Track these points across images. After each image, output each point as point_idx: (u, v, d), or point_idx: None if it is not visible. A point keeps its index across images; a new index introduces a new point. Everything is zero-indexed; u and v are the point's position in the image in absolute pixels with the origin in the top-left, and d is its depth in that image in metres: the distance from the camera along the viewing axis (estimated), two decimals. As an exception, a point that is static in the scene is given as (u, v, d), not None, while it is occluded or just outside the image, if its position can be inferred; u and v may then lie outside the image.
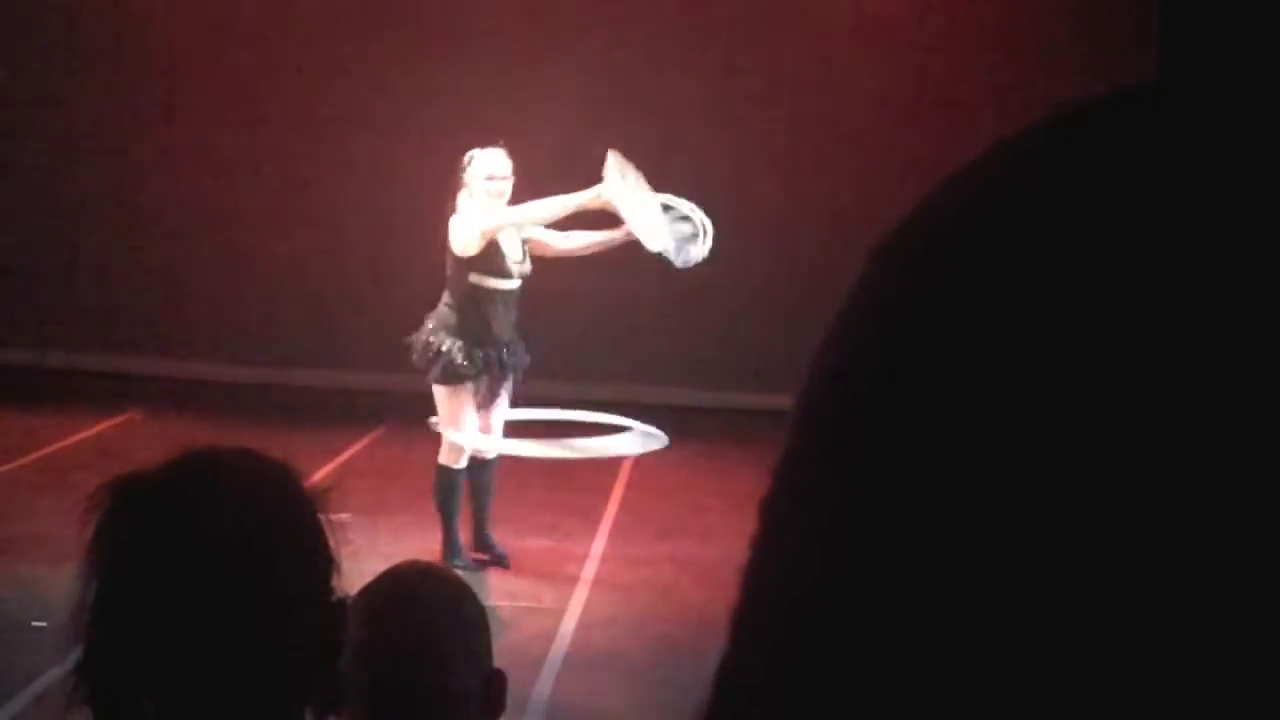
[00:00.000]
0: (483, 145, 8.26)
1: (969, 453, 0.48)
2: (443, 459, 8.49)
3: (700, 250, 8.55)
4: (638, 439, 9.13)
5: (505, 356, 8.36)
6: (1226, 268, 0.48)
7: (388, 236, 12.56)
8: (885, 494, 0.50)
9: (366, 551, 7.44)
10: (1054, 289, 0.48)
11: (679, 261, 8.51)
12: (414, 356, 8.44)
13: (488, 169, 8.15)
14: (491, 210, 8.15)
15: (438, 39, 13.00)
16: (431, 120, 12.42)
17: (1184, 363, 0.47)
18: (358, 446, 11.14)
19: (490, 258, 8.23)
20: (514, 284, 8.34)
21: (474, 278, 8.24)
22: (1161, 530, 0.46)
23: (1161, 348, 0.47)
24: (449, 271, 8.35)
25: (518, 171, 8.29)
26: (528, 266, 8.39)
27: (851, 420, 0.52)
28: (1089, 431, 0.47)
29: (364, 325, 12.98)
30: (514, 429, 8.77)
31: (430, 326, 8.41)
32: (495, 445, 8.50)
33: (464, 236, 8.18)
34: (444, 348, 8.30)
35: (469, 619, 2.37)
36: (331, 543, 1.74)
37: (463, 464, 8.43)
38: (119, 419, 11.73)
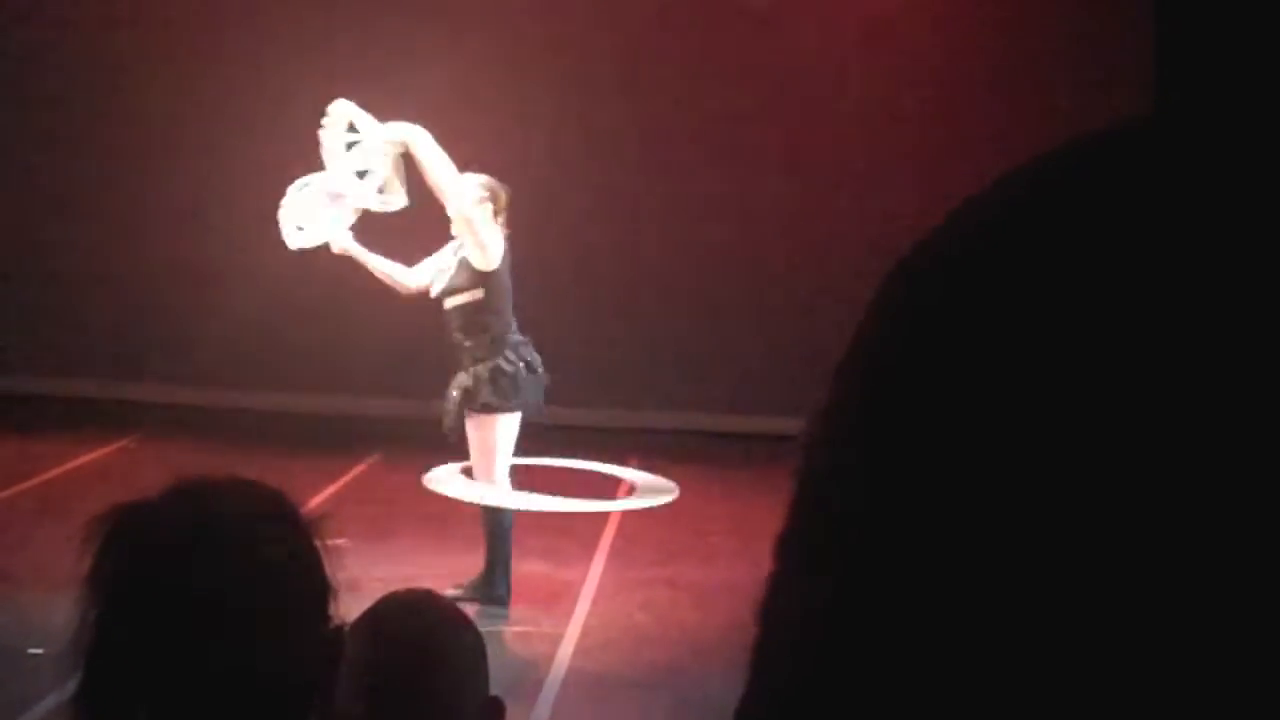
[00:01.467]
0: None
1: (988, 478, 0.48)
2: (499, 500, 8.31)
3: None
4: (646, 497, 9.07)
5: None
6: (1223, 285, 0.48)
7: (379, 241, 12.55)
8: (905, 528, 0.50)
9: (363, 578, 7.43)
10: (1067, 317, 0.49)
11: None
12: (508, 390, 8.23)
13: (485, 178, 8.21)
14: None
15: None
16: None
17: (1185, 385, 0.48)
18: (355, 472, 11.14)
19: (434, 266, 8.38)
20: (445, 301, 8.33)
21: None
22: (1163, 549, 0.47)
23: (1165, 368, 0.48)
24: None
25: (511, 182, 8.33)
26: (443, 283, 8.34)
27: (866, 449, 0.52)
28: (1097, 452, 0.48)
29: (362, 351, 12.99)
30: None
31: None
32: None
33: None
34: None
35: (466, 646, 2.37)
36: (328, 569, 1.74)
37: None
38: (116, 445, 11.72)
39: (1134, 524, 0.47)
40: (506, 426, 8.21)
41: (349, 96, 8.52)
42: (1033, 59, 12.46)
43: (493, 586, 8.26)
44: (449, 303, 8.22)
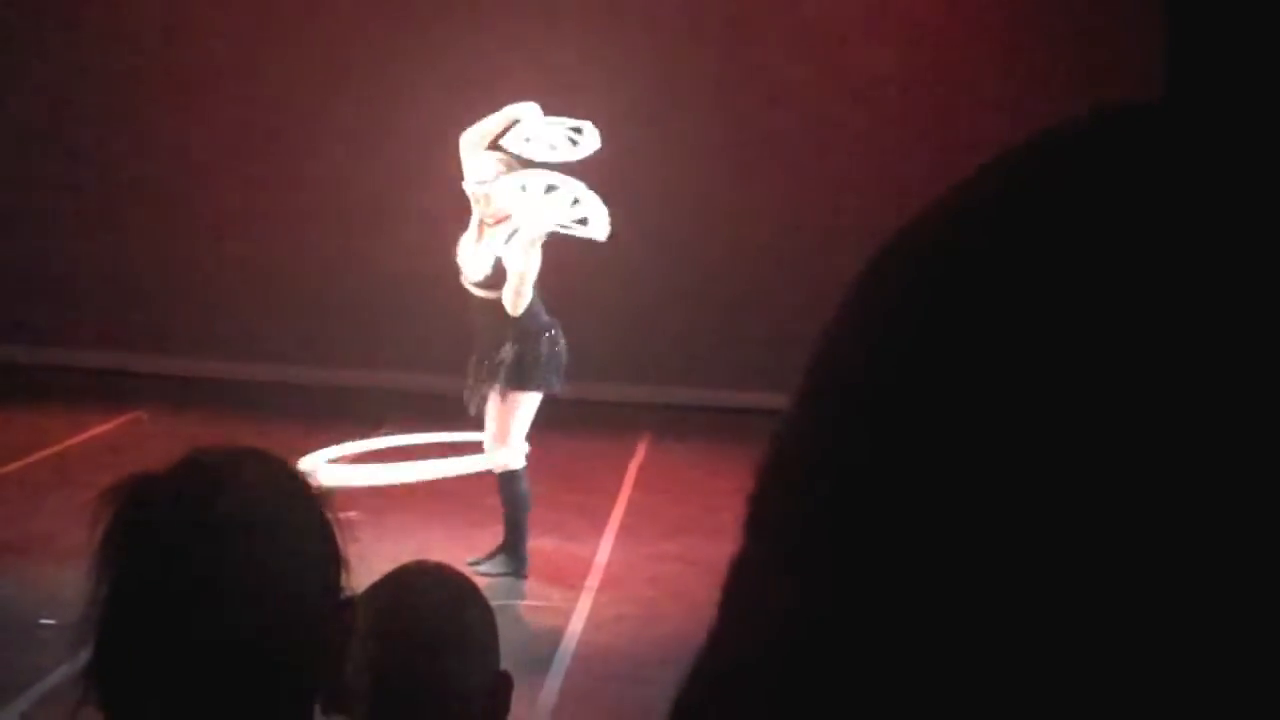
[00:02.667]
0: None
1: (968, 460, 0.48)
2: (514, 463, 8.41)
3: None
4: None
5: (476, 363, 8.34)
6: (1218, 279, 0.48)
7: (394, 235, 12.56)
8: (884, 523, 0.50)
9: (373, 551, 7.44)
10: (1055, 311, 0.48)
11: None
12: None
13: None
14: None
15: (455, 38, 13.00)
16: (440, 121, 12.42)
17: (1179, 376, 0.47)
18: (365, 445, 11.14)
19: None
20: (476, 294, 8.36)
21: None
22: (1160, 548, 0.46)
23: (1158, 360, 0.47)
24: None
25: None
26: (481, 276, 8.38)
27: (843, 433, 0.52)
28: (1081, 437, 0.47)
29: (370, 323, 13.00)
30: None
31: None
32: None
33: None
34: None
35: (476, 620, 2.37)
36: (339, 541, 1.74)
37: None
38: (126, 417, 11.74)
39: (1124, 513, 0.47)
40: (529, 404, 8.33)
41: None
42: (1041, 52, 12.42)
43: (513, 559, 8.30)
44: (479, 293, 8.28)
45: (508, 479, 8.35)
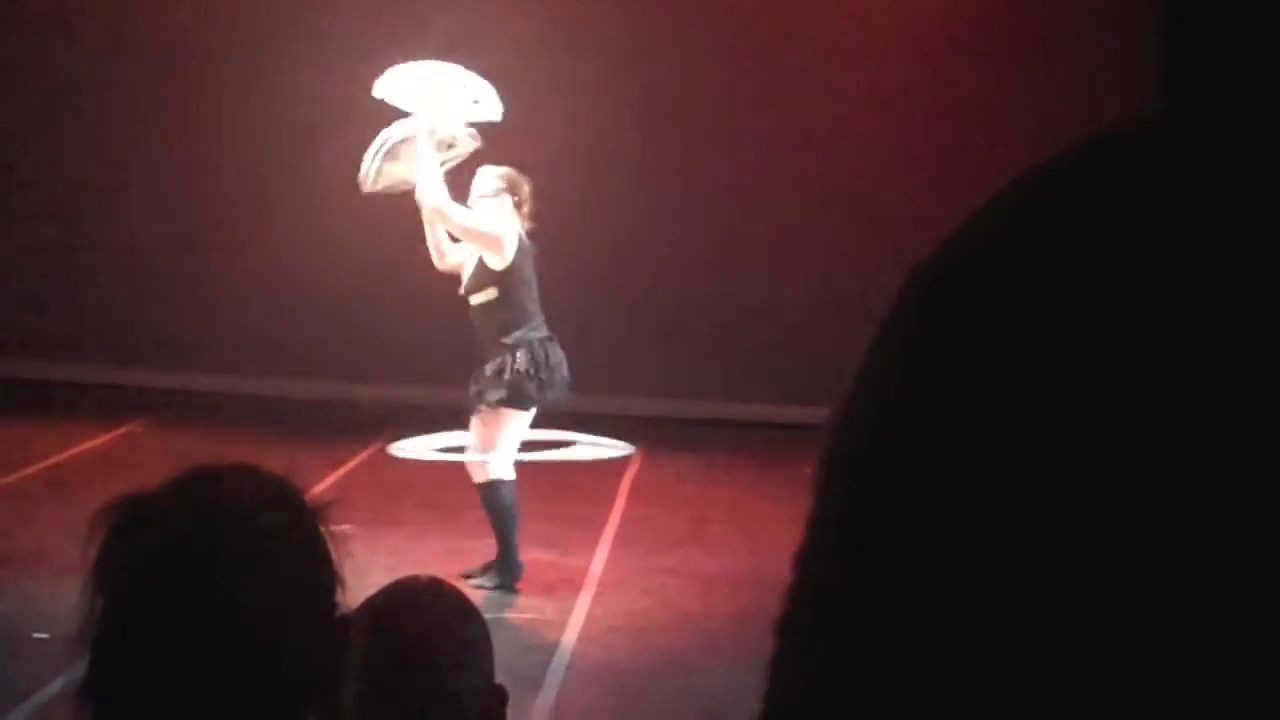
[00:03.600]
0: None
1: (993, 480, 0.48)
2: (499, 474, 8.36)
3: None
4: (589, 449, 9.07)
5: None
6: (1226, 296, 0.48)
7: (391, 248, 12.56)
8: (915, 532, 0.50)
9: (369, 564, 7.45)
10: (1085, 327, 0.49)
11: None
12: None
13: None
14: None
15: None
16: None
17: (1202, 388, 0.47)
18: (360, 458, 11.14)
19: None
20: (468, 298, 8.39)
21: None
22: (1168, 556, 0.47)
23: (1171, 380, 0.48)
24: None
25: (533, 167, 8.37)
26: (464, 281, 8.40)
27: (878, 470, 0.52)
28: (1101, 456, 0.47)
29: (366, 337, 12.99)
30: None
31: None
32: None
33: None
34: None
35: (471, 634, 2.37)
36: (334, 556, 1.74)
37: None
38: (121, 430, 11.73)
39: (1140, 540, 0.47)
40: (513, 422, 8.26)
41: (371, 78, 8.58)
42: (1038, 54, 12.44)
43: (504, 571, 8.29)
44: (473, 299, 8.30)
45: (489, 489, 8.32)
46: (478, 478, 8.37)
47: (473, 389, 8.28)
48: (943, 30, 12.83)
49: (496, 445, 8.26)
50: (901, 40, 12.89)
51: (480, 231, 8.18)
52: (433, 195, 8.21)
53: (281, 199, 13.24)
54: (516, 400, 8.19)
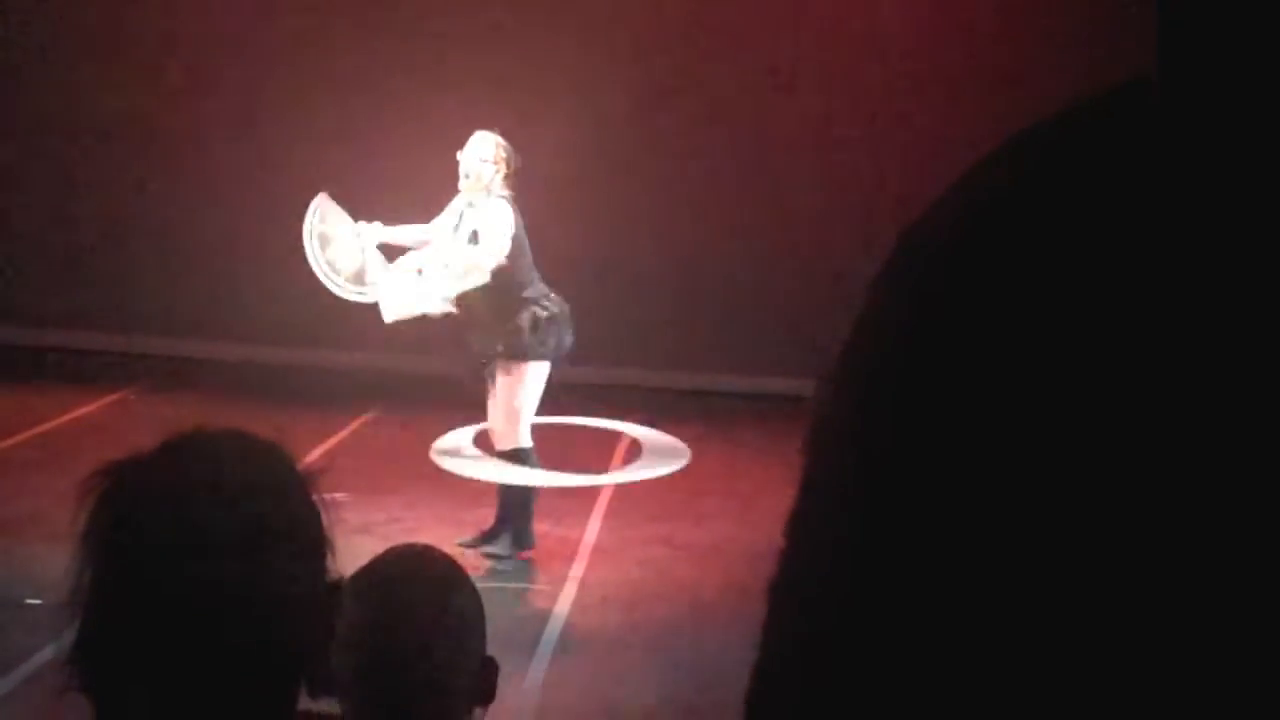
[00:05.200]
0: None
1: (980, 466, 0.48)
2: (523, 441, 8.45)
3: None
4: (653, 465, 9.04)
5: (474, 343, 8.36)
6: (1220, 272, 0.48)
7: (384, 218, 12.54)
8: (900, 508, 0.50)
9: (360, 532, 7.46)
10: (1069, 307, 0.48)
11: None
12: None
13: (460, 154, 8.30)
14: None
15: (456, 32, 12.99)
16: (436, 106, 12.42)
17: (1184, 378, 0.47)
18: (352, 426, 11.15)
19: None
20: None
21: None
22: (1162, 540, 0.46)
23: (1159, 359, 0.47)
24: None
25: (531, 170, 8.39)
26: None
27: (865, 438, 0.52)
28: (1090, 437, 0.47)
29: (359, 305, 12.96)
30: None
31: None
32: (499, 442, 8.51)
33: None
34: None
35: (464, 606, 2.36)
36: (326, 523, 1.74)
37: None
38: (113, 397, 11.73)
39: (1133, 525, 0.47)
40: (537, 375, 8.34)
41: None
42: (1034, 48, 12.43)
43: (520, 540, 8.38)
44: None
45: (518, 458, 8.38)
46: (502, 445, 8.42)
47: (487, 350, 8.30)
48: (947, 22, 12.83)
49: (521, 407, 8.33)
50: (906, 29, 12.88)
51: (502, 249, 8.22)
52: (452, 291, 8.25)
53: (278, 169, 13.22)
54: (542, 348, 8.27)
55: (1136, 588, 0.48)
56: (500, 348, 8.28)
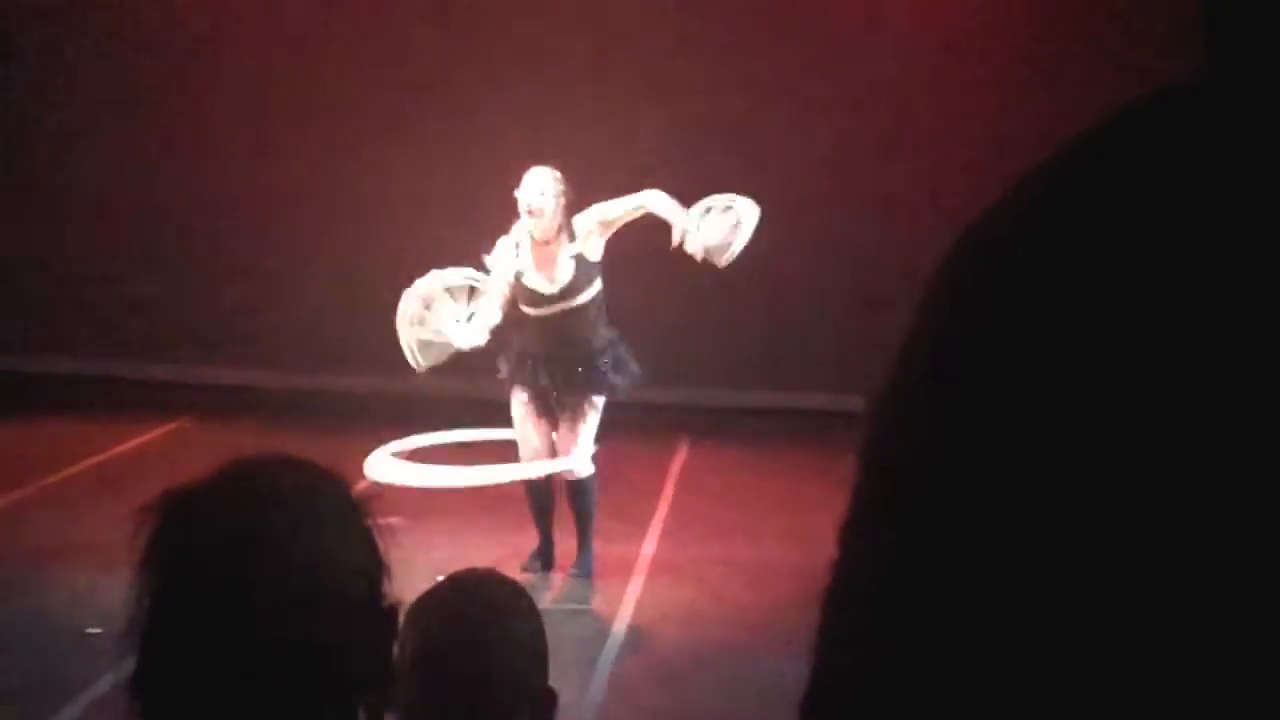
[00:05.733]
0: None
1: (1034, 473, 0.48)
2: (590, 468, 8.57)
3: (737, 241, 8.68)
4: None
5: (542, 371, 8.40)
6: (1262, 268, 0.47)
7: (434, 243, 12.58)
8: (975, 519, 0.50)
9: (416, 557, 7.46)
10: (1131, 306, 0.48)
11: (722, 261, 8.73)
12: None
13: (519, 192, 8.35)
14: (515, 233, 8.33)
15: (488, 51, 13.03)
16: (476, 134, 12.47)
17: (1235, 386, 0.46)
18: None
19: (520, 289, 8.36)
20: (545, 310, 8.36)
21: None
22: (1191, 547, 0.46)
23: (1213, 360, 0.47)
24: None
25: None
26: (559, 288, 8.37)
27: (915, 450, 0.52)
28: (1152, 439, 0.46)
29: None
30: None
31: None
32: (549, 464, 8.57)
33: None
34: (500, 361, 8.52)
35: (524, 633, 2.34)
36: (381, 548, 1.74)
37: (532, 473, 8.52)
38: (170, 427, 11.80)
39: (1166, 529, 0.46)
40: (599, 408, 8.51)
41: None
42: (1077, 49, 12.38)
43: (587, 562, 8.54)
44: (576, 301, 8.36)
45: (588, 486, 8.50)
46: (578, 473, 8.45)
47: (570, 379, 8.37)
48: (969, 20, 12.79)
49: (590, 437, 8.43)
50: (929, 31, 12.86)
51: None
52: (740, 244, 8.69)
53: (329, 196, 13.29)
54: (619, 384, 8.47)
55: (1213, 591, 0.47)
56: (583, 379, 8.38)
